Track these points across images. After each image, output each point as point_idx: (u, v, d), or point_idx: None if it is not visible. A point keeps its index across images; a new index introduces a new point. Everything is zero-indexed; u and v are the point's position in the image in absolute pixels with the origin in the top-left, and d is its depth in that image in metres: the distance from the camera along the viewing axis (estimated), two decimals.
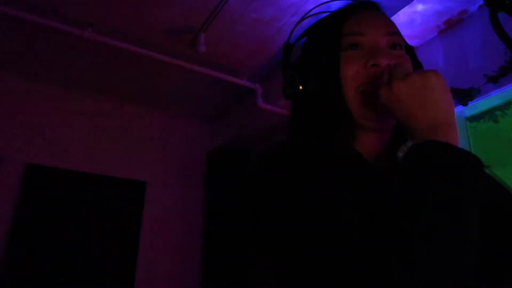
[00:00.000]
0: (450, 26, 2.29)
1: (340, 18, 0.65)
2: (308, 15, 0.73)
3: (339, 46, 0.62)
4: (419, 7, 2.17)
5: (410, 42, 0.74)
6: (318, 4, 0.77)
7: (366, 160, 0.59)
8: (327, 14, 0.69)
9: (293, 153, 0.56)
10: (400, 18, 2.18)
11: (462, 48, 2.18)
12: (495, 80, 1.97)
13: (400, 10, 2.12)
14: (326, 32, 0.65)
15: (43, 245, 3.00)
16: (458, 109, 2.12)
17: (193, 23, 2.62)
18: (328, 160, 0.55)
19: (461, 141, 2.13)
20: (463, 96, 2.03)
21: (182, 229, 3.63)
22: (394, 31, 0.64)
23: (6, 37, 2.80)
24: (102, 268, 3.14)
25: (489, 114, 2.13)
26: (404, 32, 0.77)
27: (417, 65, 0.68)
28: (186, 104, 3.76)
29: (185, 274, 3.52)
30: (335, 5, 0.73)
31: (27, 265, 2.90)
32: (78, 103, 3.48)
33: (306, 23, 0.72)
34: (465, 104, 2.06)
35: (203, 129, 4.11)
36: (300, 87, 0.64)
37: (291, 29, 0.71)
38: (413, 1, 2.09)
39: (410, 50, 0.69)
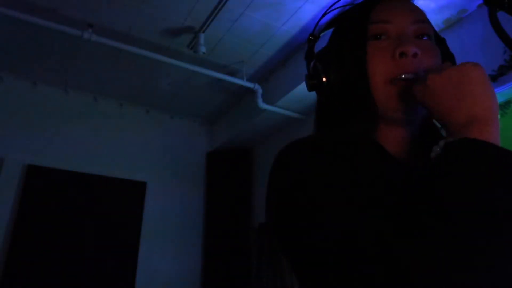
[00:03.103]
0: (449, 25, 2.30)
1: (366, 7, 0.63)
2: (334, 7, 0.70)
3: (365, 36, 0.60)
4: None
5: None
6: None
7: (387, 151, 0.57)
8: (353, 4, 0.67)
9: (312, 145, 0.54)
10: None
11: (461, 47, 2.18)
12: (495, 79, 1.98)
13: None
14: (351, 22, 0.64)
15: (43, 245, 3.00)
16: None
17: (193, 23, 2.62)
18: (346, 151, 0.53)
19: None
20: None
21: (182, 229, 3.64)
22: (422, 19, 0.61)
23: (6, 37, 2.80)
24: (103, 268, 3.15)
25: None
26: None
27: (449, 57, 0.65)
28: (186, 104, 3.76)
29: (186, 275, 3.52)
30: None
31: (28, 265, 2.91)
32: (78, 103, 3.49)
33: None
34: None
35: (203, 129, 4.12)
36: (324, 79, 0.62)
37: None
38: (412, 0, 2.08)
39: (441, 41, 0.66)
